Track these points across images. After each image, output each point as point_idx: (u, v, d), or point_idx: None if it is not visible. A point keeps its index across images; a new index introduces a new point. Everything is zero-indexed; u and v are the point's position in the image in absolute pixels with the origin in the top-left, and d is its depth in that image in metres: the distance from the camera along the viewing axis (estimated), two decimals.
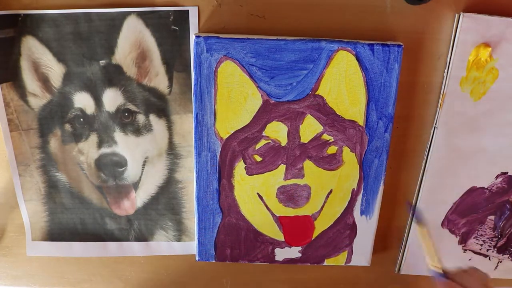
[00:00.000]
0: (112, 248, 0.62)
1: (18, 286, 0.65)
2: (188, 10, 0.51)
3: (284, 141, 0.55)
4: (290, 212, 0.58)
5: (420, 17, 0.53)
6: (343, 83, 0.53)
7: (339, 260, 0.61)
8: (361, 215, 0.59)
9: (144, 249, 0.62)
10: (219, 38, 0.50)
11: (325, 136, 0.55)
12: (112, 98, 0.55)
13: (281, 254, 0.61)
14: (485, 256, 0.64)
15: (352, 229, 0.60)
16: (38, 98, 0.55)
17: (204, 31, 0.52)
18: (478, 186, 0.59)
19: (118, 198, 0.59)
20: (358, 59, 0.52)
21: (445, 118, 0.55)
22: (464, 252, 0.63)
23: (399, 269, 0.64)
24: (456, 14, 0.52)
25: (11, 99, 0.55)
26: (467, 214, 0.61)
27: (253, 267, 0.64)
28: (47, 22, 0.52)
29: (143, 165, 0.58)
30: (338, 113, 0.54)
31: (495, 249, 0.63)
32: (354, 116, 0.54)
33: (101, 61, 0.53)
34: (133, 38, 0.52)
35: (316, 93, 0.53)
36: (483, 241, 0.63)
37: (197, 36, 0.50)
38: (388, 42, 0.52)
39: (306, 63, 0.52)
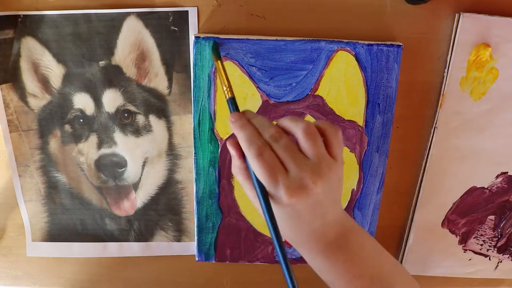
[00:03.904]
0: (112, 248, 0.62)
1: (18, 286, 0.65)
2: (187, 11, 0.51)
3: None
4: None
5: (420, 17, 0.53)
6: (343, 84, 0.53)
7: None
8: (361, 215, 0.59)
9: (144, 249, 0.62)
10: (219, 39, 0.50)
11: None
12: (111, 99, 0.55)
13: None
14: (485, 256, 0.64)
15: None
16: (38, 99, 0.55)
17: (204, 32, 0.52)
18: (478, 186, 0.59)
19: (118, 198, 0.59)
20: (357, 59, 0.52)
21: (445, 118, 0.55)
22: (464, 252, 0.63)
23: None
24: (456, 14, 0.52)
25: (11, 100, 0.55)
26: (467, 214, 0.61)
27: (253, 267, 0.64)
28: (47, 23, 0.52)
29: (143, 165, 0.58)
30: (337, 113, 0.54)
31: (495, 249, 0.63)
32: (353, 116, 0.54)
33: (100, 62, 0.53)
34: (133, 39, 0.52)
35: (316, 93, 0.53)
36: (483, 241, 0.63)
37: (197, 37, 0.50)
38: (388, 42, 0.52)
39: (305, 64, 0.52)
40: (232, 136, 0.38)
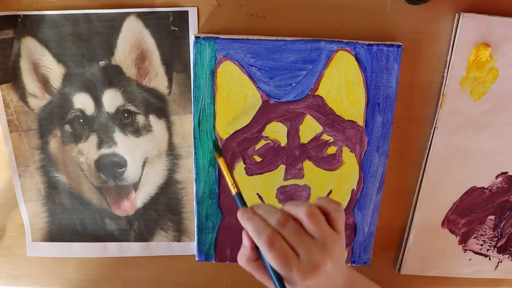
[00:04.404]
0: (112, 248, 0.62)
1: (18, 286, 0.65)
2: (187, 11, 0.51)
3: (283, 142, 0.55)
4: None
5: (420, 17, 0.53)
6: (343, 84, 0.53)
7: None
8: (361, 215, 0.59)
9: (144, 249, 0.62)
10: (219, 39, 0.50)
11: (325, 137, 0.55)
12: (111, 99, 0.55)
13: None
14: (485, 256, 0.64)
15: (352, 229, 0.60)
16: (38, 99, 0.55)
17: (204, 31, 0.52)
18: (478, 186, 0.59)
19: (118, 198, 0.59)
20: (357, 59, 0.52)
21: (445, 118, 0.55)
22: (464, 252, 0.63)
23: (399, 269, 0.64)
24: (456, 14, 0.52)
25: (11, 100, 0.55)
26: (467, 214, 0.61)
27: None
28: (47, 23, 0.52)
29: (143, 165, 0.58)
30: (337, 113, 0.54)
31: (495, 249, 0.63)
32: (353, 116, 0.54)
33: (100, 62, 0.53)
34: (133, 39, 0.52)
35: (316, 93, 0.53)
36: (483, 241, 0.63)
37: (197, 37, 0.50)
38: (388, 42, 0.52)
39: (305, 64, 0.52)
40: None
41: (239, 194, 0.43)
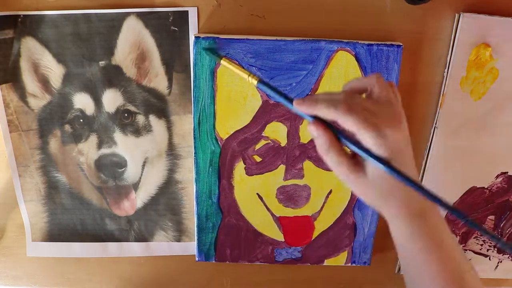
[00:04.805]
0: (112, 248, 0.62)
1: (18, 286, 0.65)
2: (187, 11, 0.51)
3: (283, 142, 0.55)
4: (290, 212, 0.58)
5: (420, 17, 0.53)
6: (343, 84, 0.52)
7: (339, 260, 0.61)
8: (361, 215, 0.59)
9: (144, 249, 0.62)
10: (219, 39, 0.50)
11: None
12: (111, 99, 0.55)
13: (281, 254, 0.61)
14: (485, 256, 0.64)
15: (352, 229, 0.60)
16: (38, 99, 0.55)
17: (204, 31, 0.52)
18: (478, 186, 0.59)
19: (118, 198, 0.59)
20: (357, 59, 0.52)
21: (445, 118, 0.55)
22: (464, 252, 0.63)
23: (399, 269, 0.64)
24: (456, 14, 0.52)
25: (11, 100, 0.55)
26: (467, 214, 0.61)
27: (253, 267, 0.64)
28: (47, 23, 0.52)
29: (143, 165, 0.58)
30: None
31: (495, 249, 0.63)
32: None
33: (100, 62, 0.53)
34: (133, 39, 0.52)
35: (316, 93, 0.53)
36: (483, 241, 0.63)
37: (197, 37, 0.50)
38: (388, 42, 0.52)
39: (305, 64, 0.52)
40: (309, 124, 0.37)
41: (271, 85, 0.41)
